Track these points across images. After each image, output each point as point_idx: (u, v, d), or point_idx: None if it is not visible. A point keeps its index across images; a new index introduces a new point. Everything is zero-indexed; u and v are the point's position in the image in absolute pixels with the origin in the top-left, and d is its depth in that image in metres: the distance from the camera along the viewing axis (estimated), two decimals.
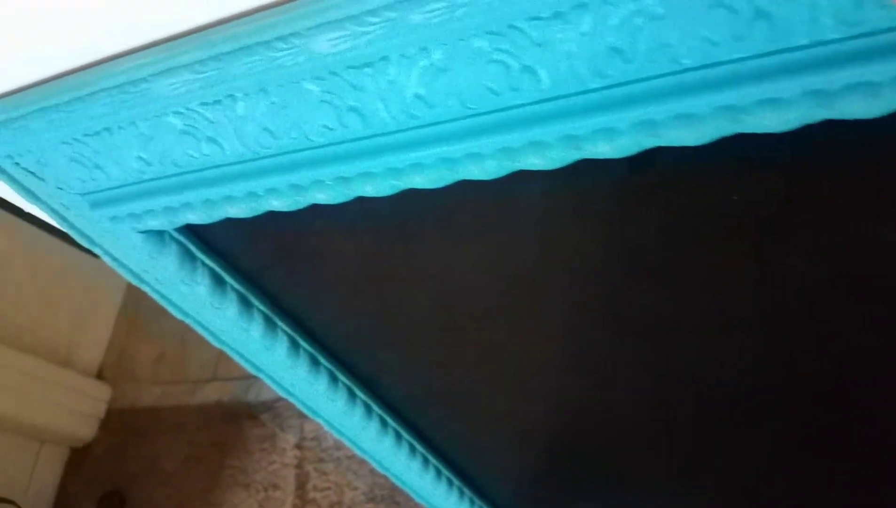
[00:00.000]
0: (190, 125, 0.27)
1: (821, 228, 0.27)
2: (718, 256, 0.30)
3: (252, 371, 0.45)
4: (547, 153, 0.23)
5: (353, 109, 0.25)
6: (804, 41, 0.19)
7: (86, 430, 1.52)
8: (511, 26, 0.21)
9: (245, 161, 0.28)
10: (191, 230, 0.36)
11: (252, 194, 0.29)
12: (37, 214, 0.37)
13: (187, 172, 0.30)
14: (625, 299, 0.34)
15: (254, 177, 0.28)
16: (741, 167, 0.25)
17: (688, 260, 0.31)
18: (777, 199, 0.26)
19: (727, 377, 0.39)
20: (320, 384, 0.44)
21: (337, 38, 0.23)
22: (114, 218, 0.33)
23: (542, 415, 0.49)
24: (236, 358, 0.44)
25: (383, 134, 0.25)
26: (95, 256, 0.37)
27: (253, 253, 0.37)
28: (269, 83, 0.25)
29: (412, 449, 0.53)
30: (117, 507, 1.41)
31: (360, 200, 0.28)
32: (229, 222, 0.32)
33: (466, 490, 0.60)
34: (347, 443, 0.53)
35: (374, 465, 0.56)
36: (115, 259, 0.37)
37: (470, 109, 0.23)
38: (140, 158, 0.30)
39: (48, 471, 1.50)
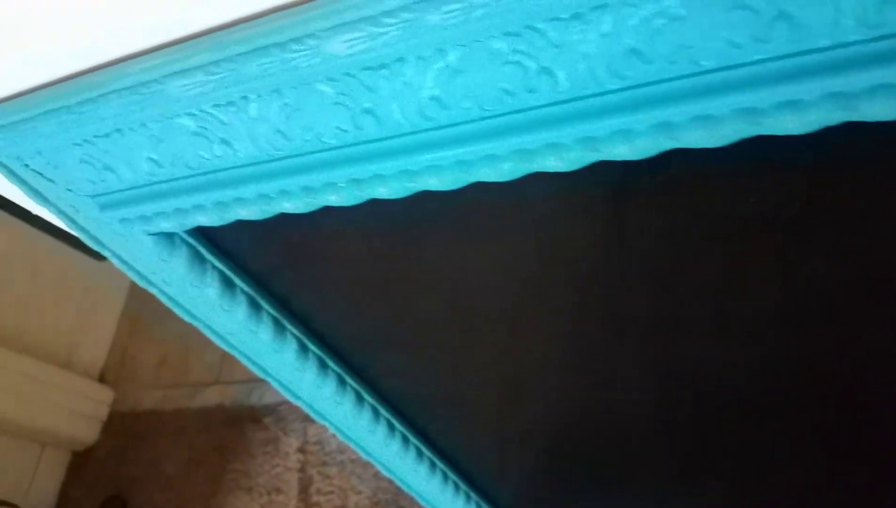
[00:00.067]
0: (202, 127, 0.27)
1: (841, 230, 0.27)
2: (736, 258, 0.30)
3: (259, 375, 0.45)
4: (564, 155, 0.23)
5: (367, 111, 0.25)
6: (826, 43, 0.19)
7: (87, 433, 1.52)
8: (529, 27, 0.21)
9: (257, 163, 0.28)
10: (201, 232, 0.36)
11: (264, 196, 0.29)
12: (44, 216, 0.37)
13: (199, 174, 0.29)
14: (638, 302, 0.34)
15: (266, 179, 0.28)
16: (759, 169, 0.25)
17: (705, 263, 0.31)
18: (795, 201, 0.26)
19: (740, 379, 0.39)
20: (328, 387, 0.44)
21: (353, 40, 0.23)
22: (124, 220, 0.33)
23: (553, 418, 0.48)
24: (244, 361, 0.44)
25: (398, 136, 0.25)
26: (98, 258, 0.37)
27: (263, 255, 0.37)
28: (283, 85, 0.25)
29: (419, 453, 0.53)
30: None
31: (371, 201, 0.28)
32: (239, 224, 0.32)
33: (473, 494, 0.60)
34: (353, 447, 0.53)
35: (380, 469, 0.56)
36: (123, 262, 0.37)
37: (486, 110, 0.23)
38: (151, 159, 0.30)
39: (49, 475, 1.50)
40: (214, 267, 0.37)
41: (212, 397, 1.41)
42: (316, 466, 1.19)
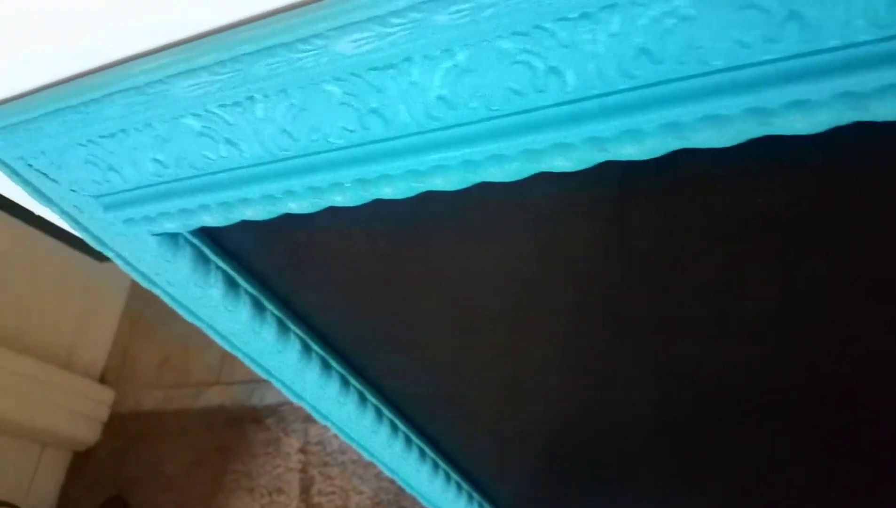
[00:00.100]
0: (208, 127, 0.27)
1: (849, 231, 0.27)
2: (744, 259, 0.30)
3: (262, 375, 0.45)
4: (571, 155, 0.23)
5: (374, 111, 0.25)
6: (836, 43, 0.19)
7: (88, 434, 1.52)
8: (537, 27, 0.21)
9: (263, 163, 0.28)
10: (205, 233, 0.36)
11: (269, 197, 0.29)
12: (47, 216, 0.37)
13: (204, 175, 0.29)
14: (641, 302, 0.34)
15: (271, 179, 0.28)
16: (765, 169, 0.25)
17: (712, 263, 0.30)
18: (803, 201, 0.26)
19: (740, 379, 0.39)
20: (331, 387, 0.44)
21: (360, 40, 0.23)
22: (128, 221, 0.33)
23: (554, 418, 0.48)
24: (246, 362, 0.44)
25: (405, 136, 0.25)
26: (99, 258, 0.36)
27: (266, 255, 0.37)
28: (290, 85, 0.25)
29: (422, 453, 0.53)
30: None
31: (376, 201, 0.28)
32: (243, 224, 0.31)
33: (475, 495, 0.60)
34: (356, 447, 0.53)
35: (383, 469, 0.56)
36: (126, 262, 0.37)
37: (493, 110, 0.23)
38: (156, 160, 0.30)
39: (50, 475, 1.50)
40: (218, 267, 0.36)
41: (213, 397, 1.41)
42: (317, 466, 1.19)
